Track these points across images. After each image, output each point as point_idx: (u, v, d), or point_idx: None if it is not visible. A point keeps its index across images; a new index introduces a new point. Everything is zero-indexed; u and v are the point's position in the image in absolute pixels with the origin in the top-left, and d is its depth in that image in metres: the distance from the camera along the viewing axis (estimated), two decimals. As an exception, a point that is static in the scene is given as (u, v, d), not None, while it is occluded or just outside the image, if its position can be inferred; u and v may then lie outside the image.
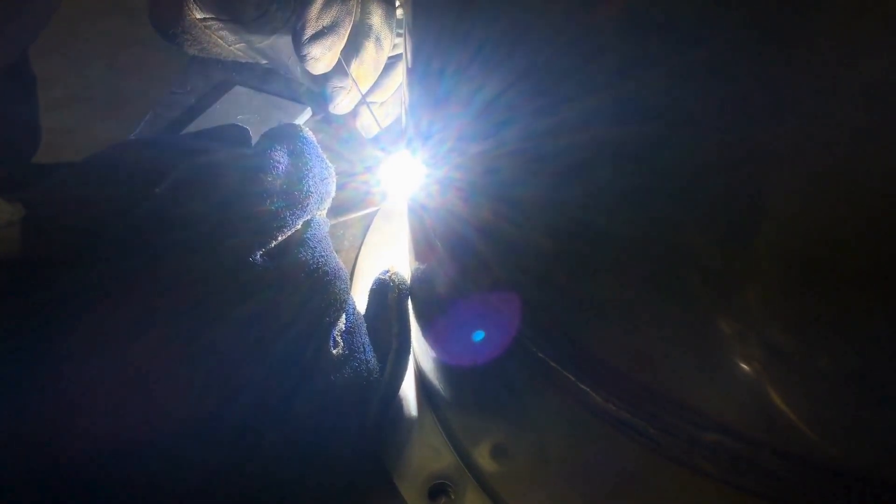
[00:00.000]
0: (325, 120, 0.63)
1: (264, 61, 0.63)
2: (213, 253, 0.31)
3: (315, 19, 0.50)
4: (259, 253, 0.32)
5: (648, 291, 0.21)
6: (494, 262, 0.27)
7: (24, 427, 0.28)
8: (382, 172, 0.50)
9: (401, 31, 0.56)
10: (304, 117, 0.64)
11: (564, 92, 0.20)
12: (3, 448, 0.28)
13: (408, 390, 0.44)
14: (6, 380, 0.28)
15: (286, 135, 0.36)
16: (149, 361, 0.29)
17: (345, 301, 0.36)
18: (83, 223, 0.31)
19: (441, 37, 0.25)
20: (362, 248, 0.55)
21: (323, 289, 0.34)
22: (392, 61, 0.57)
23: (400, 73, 0.58)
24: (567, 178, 0.22)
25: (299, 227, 0.34)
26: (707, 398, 0.21)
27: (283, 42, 0.58)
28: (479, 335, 0.31)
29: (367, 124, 0.59)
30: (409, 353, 0.40)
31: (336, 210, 0.40)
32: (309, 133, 0.37)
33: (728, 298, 0.19)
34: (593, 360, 0.24)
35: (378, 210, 0.56)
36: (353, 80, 0.54)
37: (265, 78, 0.68)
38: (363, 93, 0.56)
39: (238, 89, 0.67)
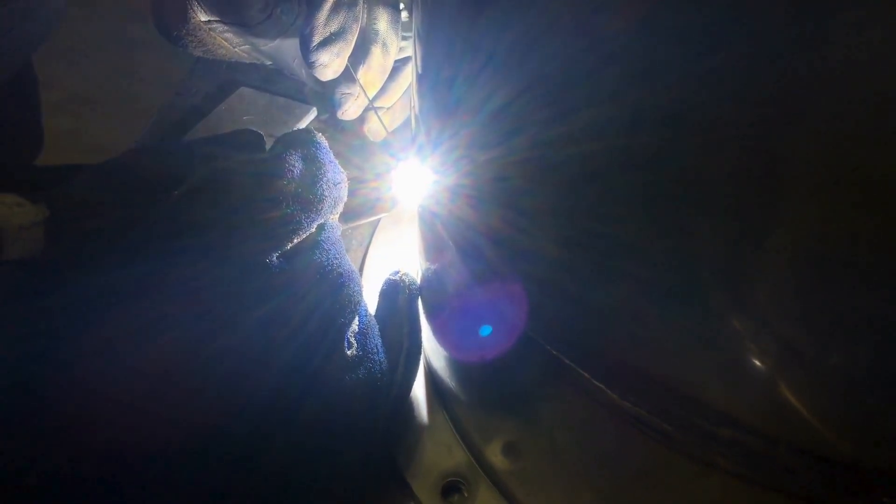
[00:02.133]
0: (330, 121, 0.64)
1: (269, 62, 0.64)
2: (228, 258, 0.31)
3: (323, 25, 0.50)
4: (275, 255, 0.33)
5: (663, 290, 0.21)
6: (508, 263, 0.27)
7: (40, 426, 0.28)
8: (393, 179, 0.51)
9: (405, 35, 0.56)
10: (309, 118, 0.65)
11: (576, 99, 0.21)
12: (19, 446, 0.28)
13: (419, 390, 0.44)
14: (23, 380, 0.28)
15: (300, 140, 0.37)
16: (159, 368, 0.29)
17: (358, 303, 0.36)
18: (101, 228, 0.32)
19: (452, 44, 0.25)
20: (370, 248, 0.55)
21: (337, 290, 0.35)
22: (397, 65, 0.57)
23: (405, 77, 0.58)
24: (580, 184, 0.22)
25: (313, 230, 0.35)
26: (722, 394, 0.21)
27: (288, 44, 0.58)
28: (492, 333, 0.31)
29: (375, 129, 0.59)
30: (420, 353, 0.40)
31: (346, 216, 0.41)
32: (322, 138, 0.38)
33: (742, 296, 0.19)
34: (609, 357, 0.24)
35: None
36: (361, 86, 0.54)
37: (270, 78, 0.68)
38: (370, 99, 0.56)
39: (243, 90, 0.67)
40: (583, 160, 0.21)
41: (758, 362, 0.20)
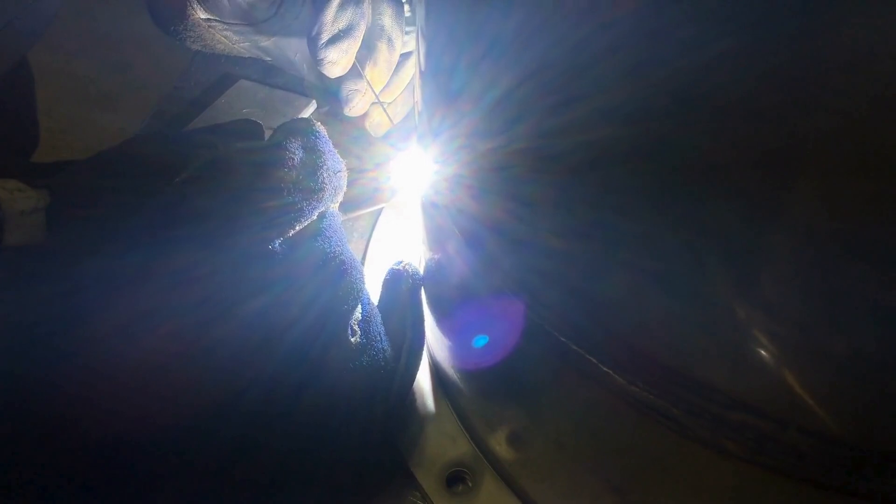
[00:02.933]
0: (330, 113, 0.64)
1: (268, 58, 0.63)
2: (227, 245, 0.31)
3: (331, 23, 0.50)
4: (278, 242, 0.32)
5: (670, 275, 0.21)
6: (514, 253, 0.27)
7: (41, 416, 0.28)
8: (392, 169, 0.51)
9: (408, 30, 0.56)
10: (308, 110, 0.64)
11: (581, 85, 0.20)
12: (21, 435, 0.28)
13: (422, 380, 0.44)
14: (24, 370, 0.28)
15: (299, 129, 0.36)
16: (157, 357, 0.29)
17: (361, 290, 0.36)
18: (101, 216, 0.31)
19: (454, 35, 0.25)
20: (371, 239, 0.55)
21: (340, 277, 0.35)
22: (400, 60, 0.57)
23: (407, 72, 0.58)
24: (586, 172, 0.22)
25: (315, 218, 0.35)
26: (732, 378, 0.21)
27: (288, 40, 0.58)
28: (496, 330, 0.31)
29: (377, 123, 0.59)
30: (423, 343, 0.40)
31: (345, 206, 0.41)
32: (321, 127, 0.38)
33: (750, 280, 0.19)
34: (617, 343, 0.24)
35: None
36: (368, 82, 0.54)
37: (269, 71, 0.68)
38: (377, 94, 0.56)
39: (242, 83, 0.66)
40: (587, 148, 0.21)
41: (766, 346, 0.20)
